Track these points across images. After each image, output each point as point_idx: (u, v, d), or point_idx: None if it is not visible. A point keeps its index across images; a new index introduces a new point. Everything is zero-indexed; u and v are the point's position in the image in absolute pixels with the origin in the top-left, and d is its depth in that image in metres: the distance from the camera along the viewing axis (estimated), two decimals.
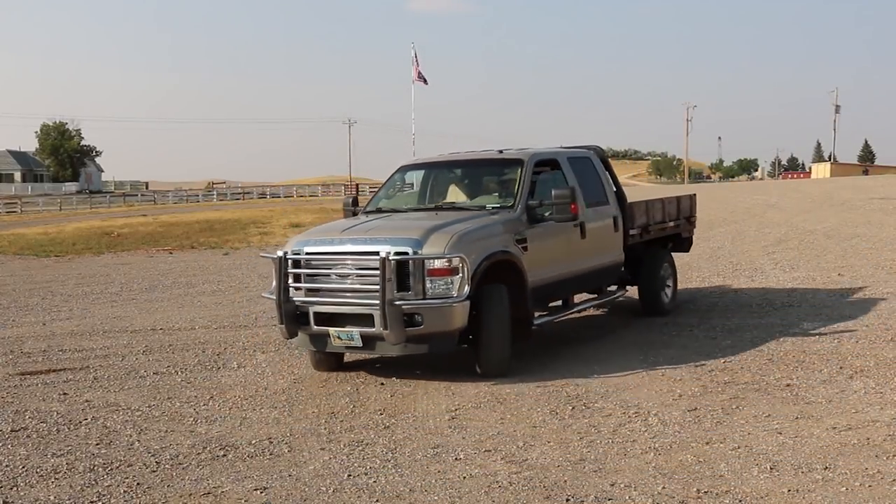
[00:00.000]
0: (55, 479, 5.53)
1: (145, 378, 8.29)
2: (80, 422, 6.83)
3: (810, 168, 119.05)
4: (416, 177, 10.31)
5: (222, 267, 19.15)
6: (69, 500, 5.17)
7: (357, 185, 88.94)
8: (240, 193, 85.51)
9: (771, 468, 5.28)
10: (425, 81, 76.18)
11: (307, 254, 8.02)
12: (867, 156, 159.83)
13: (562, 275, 8.93)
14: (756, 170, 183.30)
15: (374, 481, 5.31)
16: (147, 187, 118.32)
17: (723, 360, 8.15)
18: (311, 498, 5.09)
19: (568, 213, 8.62)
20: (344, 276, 7.84)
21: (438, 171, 10.01)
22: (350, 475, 5.43)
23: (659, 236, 11.12)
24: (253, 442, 6.17)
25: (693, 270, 14.55)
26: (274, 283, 8.04)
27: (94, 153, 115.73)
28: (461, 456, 5.71)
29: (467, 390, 7.42)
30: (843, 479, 5.07)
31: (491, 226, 8.27)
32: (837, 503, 4.77)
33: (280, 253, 8.11)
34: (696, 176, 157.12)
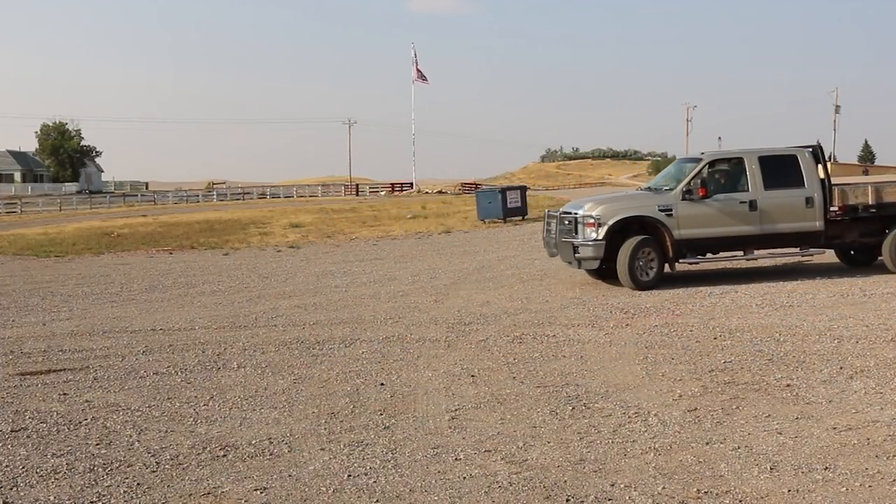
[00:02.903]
0: (55, 479, 5.53)
1: (145, 378, 8.29)
2: (80, 422, 6.82)
3: None
4: (673, 167, 15.16)
5: (222, 267, 19.15)
6: (69, 500, 5.17)
7: (357, 184, 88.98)
8: (240, 193, 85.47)
9: (771, 468, 5.28)
10: (425, 79, 76.47)
11: (561, 213, 13.89)
12: (867, 156, 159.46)
13: (720, 234, 13.26)
14: None
15: (374, 481, 5.31)
16: (147, 187, 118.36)
17: (723, 360, 8.15)
18: (311, 498, 5.09)
19: (697, 196, 13.12)
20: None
21: (672, 165, 15.45)
22: (350, 475, 5.43)
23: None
24: (253, 442, 6.17)
25: (698, 270, 14.54)
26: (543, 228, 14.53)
27: (94, 153, 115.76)
28: (461, 456, 5.71)
29: (467, 390, 7.42)
30: (843, 480, 5.07)
31: (638, 199, 13.79)
32: (838, 503, 4.77)
33: (546, 211, 14.76)
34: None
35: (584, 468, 5.40)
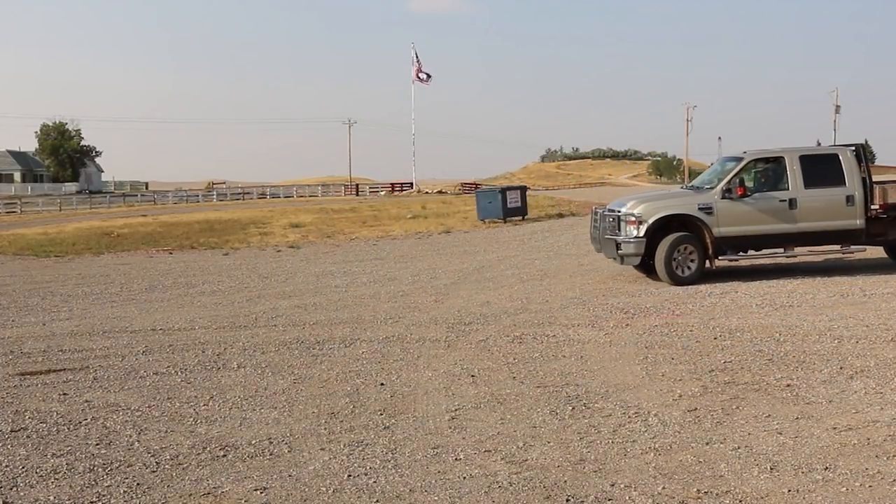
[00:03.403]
0: (55, 479, 5.53)
1: (145, 378, 8.29)
2: (80, 422, 6.82)
3: None
4: (718, 165, 15.31)
5: (222, 267, 19.15)
6: (69, 500, 5.17)
7: (357, 184, 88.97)
8: (240, 193, 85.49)
9: (771, 468, 5.28)
10: (428, 78, 76.43)
11: (605, 210, 14.20)
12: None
13: (760, 231, 13.51)
14: None
15: (374, 481, 5.31)
16: (147, 187, 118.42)
17: (723, 360, 8.15)
18: (311, 498, 5.09)
19: (736, 194, 13.38)
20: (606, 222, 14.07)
21: (717, 163, 15.51)
22: (350, 475, 5.43)
23: None
24: (253, 442, 6.17)
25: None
26: (591, 224, 14.95)
27: (93, 153, 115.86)
28: (461, 456, 5.71)
29: (467, 390, 7.42)
30: (843, 480, 5.07)
31: (678, 198, 14.21)
32: (838, 503, 4.77)
33: (594, 209, 15.04)
34: (697, 176, 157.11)
35: (584, 468, 5.40)
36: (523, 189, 33.94)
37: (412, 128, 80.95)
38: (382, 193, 76.55)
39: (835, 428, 6.03)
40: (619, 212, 13.73)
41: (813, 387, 7.14)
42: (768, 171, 14.06)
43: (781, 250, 13.84)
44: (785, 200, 13.55)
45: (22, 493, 5.30)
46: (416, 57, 76.28)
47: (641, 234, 13.32)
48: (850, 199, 13.64)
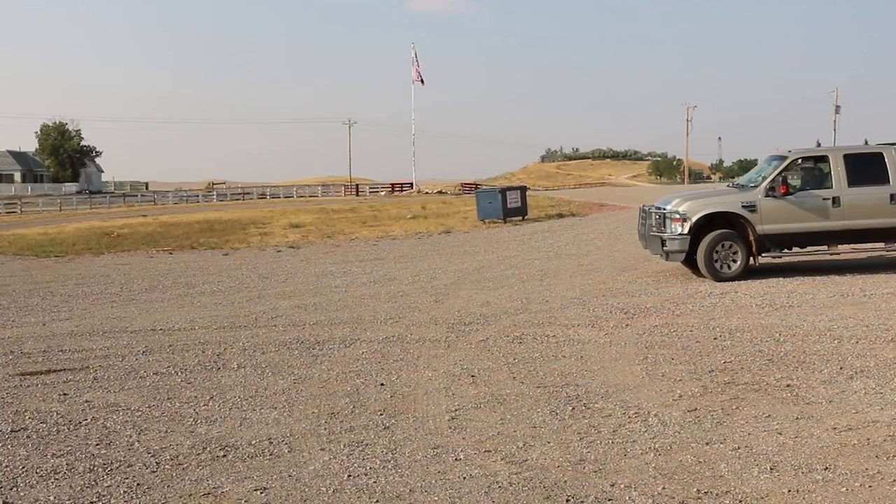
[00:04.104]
0: (55, 479, 5.53)
1: (145, 378, 8.29)
2: (80, 422, 6.83)
3: None
4: (764, 163, 15.36)
5: (222, 267, 19.15)
6: (69, 500, 5.17)
7: (357, 185, 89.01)
8: (240, 193, 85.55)
9: (771, 468, 5.29)
10: (422, 82, 76.54)
11: (651, 208, 14.45)
12: None
13: (803, 229, 13.66)
14: None
15: (374, 481, 5.31)
16: (147, 187, 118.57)
17: (723, 360, 8.15)
18: (311, 498, 5.09)
19: (778, 193, 13.61)
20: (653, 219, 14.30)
21: (763, 161, 15.55)
22: (350, 475, 5.43)
23: None
24: (253, 442, 6.17)
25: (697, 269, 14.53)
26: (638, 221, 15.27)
27: (93, 153, 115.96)
28: (461, 456, 5.71)
29: (467, 390, 7.42)
30: (843, 480, 5.07)
31: (721, 196, 14.45)
32: (837, 503, 4.77)
33: (640, 206, 15.32)
34: (697, 176, 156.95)
35: (584, 468, 5.40)
36: (523, 189, 33.94)
37: (412, 128, 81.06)
38: (382, 194, 76.60)
39: (835, 428, 6.03)
40: (664, 209, 14.01)
41: (813, 387, 7.14)
42: (812, 169, 14.27)
43: (825, 248, 13.97)
44: (828, 198, 13.71)
45: (22, 493, 5.30)
46: (416, 58, 76.38)
47: (686, 231, 13.60)
48: (893, 198, 13.75)
